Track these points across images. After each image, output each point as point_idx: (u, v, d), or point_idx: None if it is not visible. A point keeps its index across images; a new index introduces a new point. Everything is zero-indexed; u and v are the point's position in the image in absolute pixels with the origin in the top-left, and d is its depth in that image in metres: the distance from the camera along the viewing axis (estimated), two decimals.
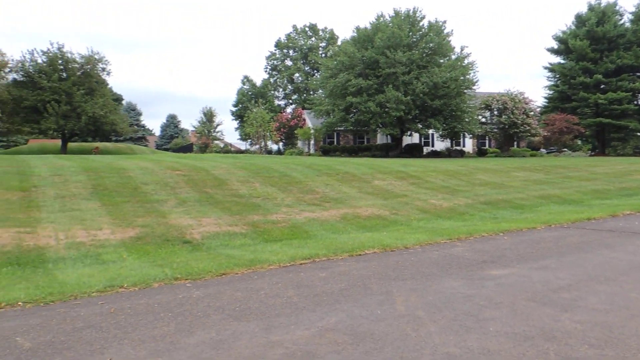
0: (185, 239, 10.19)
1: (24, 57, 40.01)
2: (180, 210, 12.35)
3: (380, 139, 45.45)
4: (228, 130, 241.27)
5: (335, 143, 45.86)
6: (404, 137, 41.91)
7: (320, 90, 44.75)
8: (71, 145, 44.08)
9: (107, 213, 11.67)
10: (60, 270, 7.90)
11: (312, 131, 44.69)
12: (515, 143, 45.41)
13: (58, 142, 44.81)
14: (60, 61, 39.69)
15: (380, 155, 38.55)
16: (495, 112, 41.49)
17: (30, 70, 39.07)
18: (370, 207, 14.01)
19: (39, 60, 39.53)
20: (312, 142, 46.46)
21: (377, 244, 9.01)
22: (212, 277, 6.85)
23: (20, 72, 39.45)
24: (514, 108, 39.80)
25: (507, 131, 40.75)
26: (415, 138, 45.21)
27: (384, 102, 35.47)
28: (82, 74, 40.72)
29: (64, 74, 39.83)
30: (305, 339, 4.34)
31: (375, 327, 4.62)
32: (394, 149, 40.78)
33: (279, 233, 10.92)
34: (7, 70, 39.89)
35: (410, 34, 38.38)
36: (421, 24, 39.52)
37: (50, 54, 39.58)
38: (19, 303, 5.65)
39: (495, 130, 42.31)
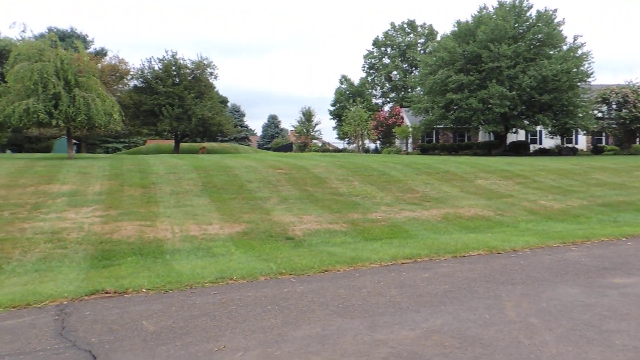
0: (287, 235, 10.51)
1: (143, 65, 43.76)
2: (283, 208, 12.76)
3: (482, 136, 43.57)
4: (326, 130, 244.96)
5: (434, 141, 44.73)
6: (509, 135, 39.76)
7: (419, 88, 43.85)
8: (182, 145, 47.35)
9: (216, 209, 12.38)
10: (177, 261, 8.53)
11: (410, 129, 43.97)
12: (637, 140, 41.19)
13: (171, 143, 48.38)
14: (173, 67, 42.79)
15: (482, 154, 36.97)
16: (614, 106, 37.90)
17: (148, 77, 42.58)
18: (473, 207, 13.48)
19: (156, 67, 42.95)
20: (410, 140, 45.72)
21: (482, 246, 8.64)
22: (314, 273, 6.99)
23: (140, 79, 43.17)
24: (636, 101, 36.10)
25: (628, 127, 37.07)
26: (520, 135, 42.70)
27: (486, 98, 33.94)
28: (192, 78, 43.57)
29: (177, 79, 42.89)
30: (411, 340, 4.27)
31: (484, 332, 4.43)
32: (497, 147, 38.87)
33: (379, 232, 10.89)
34: (129, 77, 43.88)
35: (516, 25, 36.31)
36: (528, 14, 37.20)
37: (165, 61, 42.84)
38: (143, 290, 6.18)
39: (614, 125, 38.64)
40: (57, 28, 60.73)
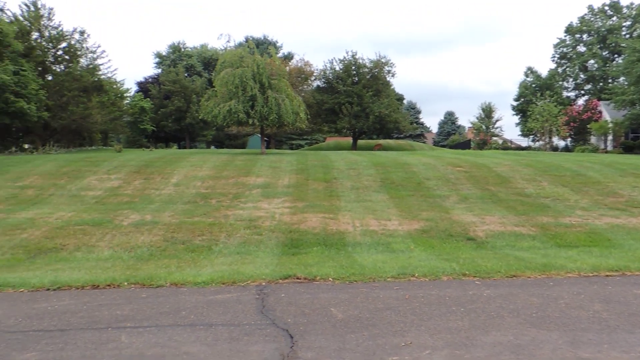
0: (468, 235, 10.11)
1: (325, 66, 46.19)
2: (462, 207, 12.32)
3: None
4: (507, 126, 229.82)
5: None
6: None
7: (623, 78, 38.29)
8: (359, 142, 48.85)
9: (394, 205, 12.49)
10: (358, 254, 8.82)
11: (610, 125, 38.75)
12: None
13: (349, 139, 50.26)
14: (353, 67, 44.34)
15: None
16: None
17: (330, 77, 44.83)
18: None
19: (337, 68, 45.00)
20: (609, 137, 40.30)
21: None
22: (501, 277, 6.58)
23: (322, 79, 45.71)
24: None
25: None
26: None
27: None
28: (370, 77, 44.60)
29: (356, 78, 44.35)
30: None
31: None
32: None
33: (574, 238, 9.82)
34: (312, 78, 46.78)
35: None
36: None
37: (345, 62, 44.62)
38: (330, 278, 6.51)
39: None
40: (253, 36, 67.68)
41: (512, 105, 60.95)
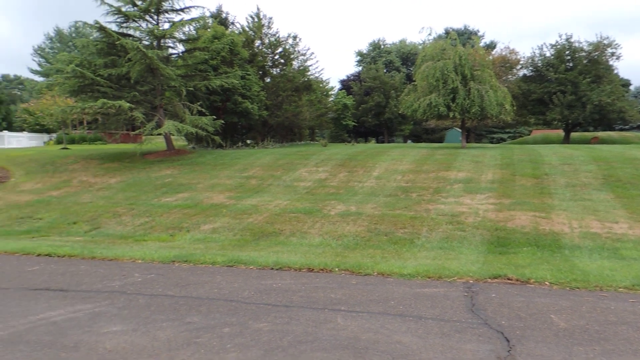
0: None
1: (533, 52, 42.49)
2: None
3: None
4: None
5: None
6: None
7: None
8: (572, 134, 43.78)
9: (621, 206, 10.89)
10: (577, 258, 7.90)
11: None
12: None
13: (559, 132, 45.42)
14: (567, 52, 39.84)
15: None
16: None
17: (538, 65, 41.03)
18: None
19: (547, 54, 40.95)
20: None
21: None
22: None
23: (530, 67, 42.10)
24: None
25: None
26: None
27: None
28: (588, 62, 39.50)
29: (570, 64, 39.76)
30: None
31: None
32: None
33: None
34: (518, 67, 43.46)
35: None
36: None
37: (557, 46, 40.32)
38: (546, 282, 5.95)
39: None
40: (452, 27, 65.85)
41: None
